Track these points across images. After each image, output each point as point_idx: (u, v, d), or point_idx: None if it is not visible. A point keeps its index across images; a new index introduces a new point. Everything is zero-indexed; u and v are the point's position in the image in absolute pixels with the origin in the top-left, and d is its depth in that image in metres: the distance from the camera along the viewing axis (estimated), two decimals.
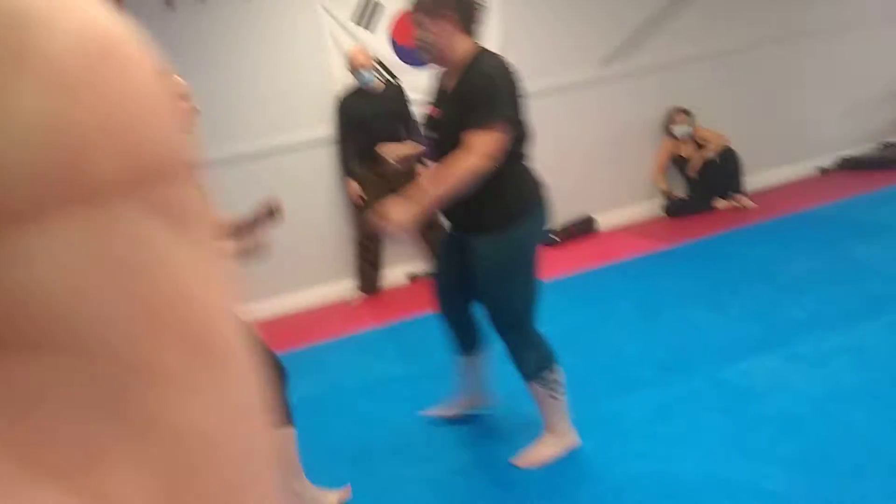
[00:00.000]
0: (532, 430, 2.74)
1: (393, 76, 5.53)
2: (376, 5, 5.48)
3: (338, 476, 2.87)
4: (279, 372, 2.44)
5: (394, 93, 5.42)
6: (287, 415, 2.35)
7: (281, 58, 5.37)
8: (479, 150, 2.35)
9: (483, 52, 2.48)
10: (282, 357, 4.47)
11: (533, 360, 2.62)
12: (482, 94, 2.38)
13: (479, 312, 2.78)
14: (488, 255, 2.54)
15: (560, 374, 2.63)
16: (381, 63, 5.47)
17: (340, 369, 4.07)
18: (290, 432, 2.34)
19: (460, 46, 2.46)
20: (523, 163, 2.54)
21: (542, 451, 2.67)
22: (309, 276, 5.61)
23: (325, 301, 5.60)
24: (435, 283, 2.98)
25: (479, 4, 2.52)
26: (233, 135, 5.33)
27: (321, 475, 2.93)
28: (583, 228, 5.96)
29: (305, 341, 4.71)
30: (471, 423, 3.08)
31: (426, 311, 4.80)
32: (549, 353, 2.64)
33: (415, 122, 5.44)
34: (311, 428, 3.36)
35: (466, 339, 2.96)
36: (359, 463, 2.95)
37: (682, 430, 2.68)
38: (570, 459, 2.63)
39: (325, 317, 5.29)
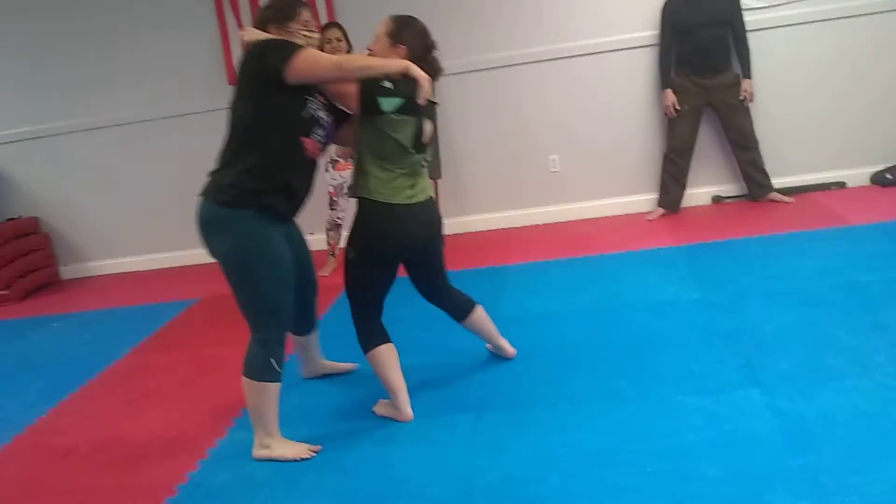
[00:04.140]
0: None
1: None
2: None
3: (613, 388, 2.88)
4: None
5: None
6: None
7: None
8: None
9: None
10: (576, 262, 4.54)
11: None
12: None
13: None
14: None
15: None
16: None
17: (630, 283, 4.02)
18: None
19: None
20: None
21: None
22: (609, 186, 5.54)
23: (622, 211, 5.52)
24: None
25: None
26: (552, 34, 5.32)
27: (605, 376, 2.97)
28: None
29: (598, 249, 4.71)
30: None
31: (727, 236, 4.58)
32: None
33: (743, 29, 5.04)
34: (588, 336, 3.41)
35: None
36: (635, 381, 2.92)
37: None
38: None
39: (622, 227, 5.22)
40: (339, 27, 4.78)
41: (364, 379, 3.26)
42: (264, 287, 2.65)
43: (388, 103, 2.62)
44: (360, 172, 2.76)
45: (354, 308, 2.90)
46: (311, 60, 2.57)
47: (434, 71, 2.77)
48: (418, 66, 2.61)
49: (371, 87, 2.62)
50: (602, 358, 3.17)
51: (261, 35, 2.68)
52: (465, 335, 3.20)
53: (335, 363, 3.40)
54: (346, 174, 4.90)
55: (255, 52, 2.61)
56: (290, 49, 2.56)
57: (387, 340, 2.91)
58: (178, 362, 3.85)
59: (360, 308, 2.89)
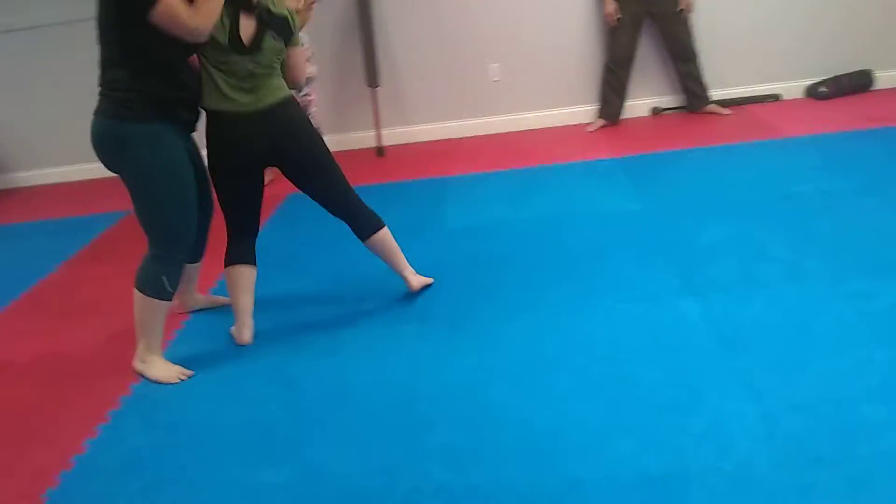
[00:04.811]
0: None
1: None
2: None
3: (555, 298, 2.94)
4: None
5: None
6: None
7: None
8: None
9: None
10: (517, 173, 4.56)
11: None
12: None
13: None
14: None
15: None
16: None
17: (571, 194, 4.05)
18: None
19: None
20: None
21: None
22: (550, 96, 5.51)
23: (562, 122, 5.51)
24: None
25: None
26: None
27: (547, 287, 3.02)
28: (857, 83, 5.32)
29: (541, 161, 4.71)
30: None
31: (666, 148, 4.64)
32: None
33: None
34: (530, 247, 3.45)
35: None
36: (577, 291, 2.98)
37: None
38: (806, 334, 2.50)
39: (562, 138, 5.22)
40: None
41: (317, 295, 3.27)
42: (168, 206, 2.60)
43: None
44: (201, 80, 2.68)
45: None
46: (168, 17, 2.38)
47: None
48: None
49: None
50: (543, 268, 3.22)
51: None
52: (414, 249, 3.19)
53: (212, 296, 3.29)
54: None
55: None
56: None
57: (244, 261, 2.88)
58: (115, 275, 3.76)
59: (226, 220, 2.87)
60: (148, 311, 2.67)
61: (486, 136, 5.53)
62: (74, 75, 5.50)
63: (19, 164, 5.99)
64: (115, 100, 2.52)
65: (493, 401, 2.35)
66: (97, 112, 2.56)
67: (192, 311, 3.22)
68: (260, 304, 3.05)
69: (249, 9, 2.61)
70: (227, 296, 3.24)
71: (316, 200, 2.93)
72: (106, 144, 2.56)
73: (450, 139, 5.57)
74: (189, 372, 2.73)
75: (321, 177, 2.87)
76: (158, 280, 2.63)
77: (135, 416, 2.53)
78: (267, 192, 4.75)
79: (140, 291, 2.65)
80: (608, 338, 2.62)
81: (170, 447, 2.35)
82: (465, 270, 3.30)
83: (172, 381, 2.69)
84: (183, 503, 2.10)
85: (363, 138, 5.56)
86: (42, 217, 5.06)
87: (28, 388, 2.82)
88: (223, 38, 2.57)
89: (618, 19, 5.08)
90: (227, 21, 2.57)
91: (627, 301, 2.84)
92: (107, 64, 2.53)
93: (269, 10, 2.65)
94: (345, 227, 2.97)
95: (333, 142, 5.41)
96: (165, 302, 2.68)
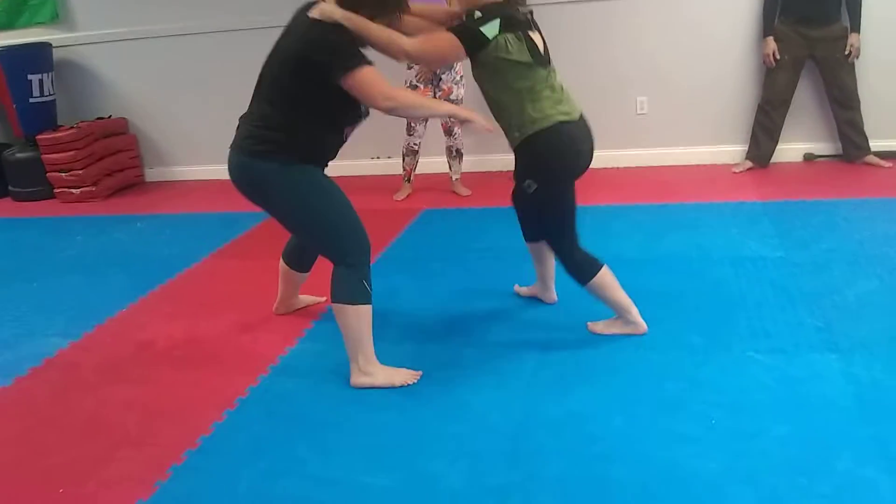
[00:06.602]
0: None
1: None
2: None
3: (684, 338, 2.85)
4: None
5: None
6: None
7: None
8: None
9: None
10: (655, 209, 4.46)
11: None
12: None
13: None
14: None
15: None
16: None
17: (710, 235, 3.92)
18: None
19: None
20: None
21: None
22: (697, 133, 5.37)
23: (708, 161, 5.36)
24: None
25: None
26: None
27: (676, 326, 2.94)
28: None
29: (681, 198, 4.60)
30: None
31: (816, 195, 4.42)
32: None
33: None
34: (663, 284, 3.36)
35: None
36: (708, 334, 2.88)
37: None
38: None
39: (706, 177, 5.07)
40: None
41: (444, 311, 3.31)
42: (339, 212, 2.68)
43: (490, 29, 2.56)
44: (512, 117, 2.71)
45: (562, 242, 2.87)
46: (366, 84, 2.49)
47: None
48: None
49: (466, 27, 2.60)
50: (675, 307, 3.13)
51: (337, 14, 2.50)
52: (531, 275, 3.20)
53: (309, 297, 3.47)
54: None
55: (324, 47, 2.49)
56: (355, 62, 2.48)
57: (601, 263, 2.87)
58: (254, 271, 3.94)
59: (566, 239, 2.86)
60: (363, 320, 2.69)
61: (627, 168, 5.45)
62: (233, 80, 5.85)
63: (179, 159, 6.41)
64: (258, 140, 2.65)
65: (609, 435, 2.30)
66: (244, 152, 2.68)
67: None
68: (387, 315, 3.12)
69: (531, 27, 2.68)
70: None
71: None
72: (254, 179, 2.68)
73: (589, 168, 5.51)
74: (418, 373, 2.75)
75: None
76: (361, 286, 2.67)
77: (260, 406, 2.64)
78: (403, 205, 4.91)
79: (350, 304, 2.65)
80: (736, 386, 2.51)
81: (289, 440, 2.43)
82: (589, 302, 3.25)
83: (411, 382, 2.71)
84: (296, 495, 2.17)
85: (503, 161, 5.59)
86: (197, 210, 5.39)
87: (165, 369, 3.00)
88: (526, 57, 2.62)
89: (777, 60, 4.92)
90: (518, 42, 2.59)
91: (762, 351, 2.71)
92: (260, 105, 2.69)
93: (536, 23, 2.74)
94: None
95: (473, 163, 5.50)
96: (370, 306, 2.70)
